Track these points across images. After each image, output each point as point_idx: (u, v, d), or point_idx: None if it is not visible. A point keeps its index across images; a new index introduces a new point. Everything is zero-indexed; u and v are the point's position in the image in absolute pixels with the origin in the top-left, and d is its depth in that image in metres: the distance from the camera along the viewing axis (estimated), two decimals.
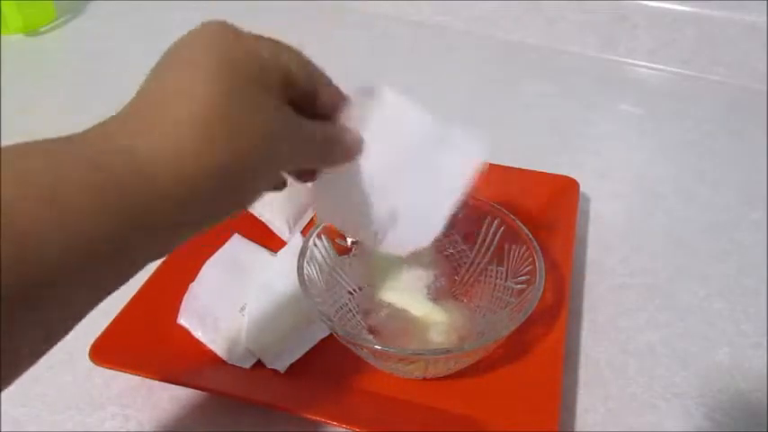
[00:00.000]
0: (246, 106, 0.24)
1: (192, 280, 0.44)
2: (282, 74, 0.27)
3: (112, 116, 0.24)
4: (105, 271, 0.22)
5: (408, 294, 0.41)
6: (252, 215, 0.49)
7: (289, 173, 0.31)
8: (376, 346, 0.34)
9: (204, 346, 0.40)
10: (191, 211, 0.23)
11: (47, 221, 0.19)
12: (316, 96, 0.29)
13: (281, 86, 0.27)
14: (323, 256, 0.41)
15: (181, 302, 0.43)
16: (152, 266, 0.43)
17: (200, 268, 0.45)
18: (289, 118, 0.27)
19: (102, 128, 0.23)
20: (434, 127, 0.33)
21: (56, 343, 0.21)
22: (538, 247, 0.38)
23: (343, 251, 0.43)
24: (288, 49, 0.28)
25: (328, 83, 0.30)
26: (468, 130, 0.33)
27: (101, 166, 0.21)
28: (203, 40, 0.25)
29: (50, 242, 0.19)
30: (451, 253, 0.44)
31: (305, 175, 0.32)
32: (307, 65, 0.29)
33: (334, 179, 0.32)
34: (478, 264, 0.43)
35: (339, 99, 0.31)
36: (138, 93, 0.25)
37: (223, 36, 0.25)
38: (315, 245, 0.40)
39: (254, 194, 0.27)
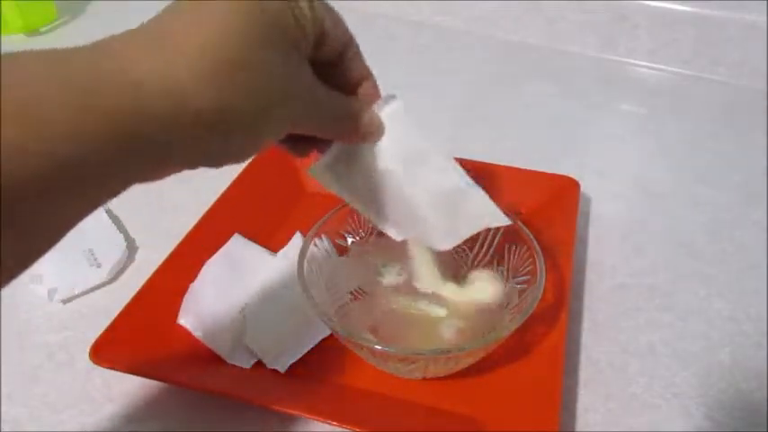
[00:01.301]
0: (267, 52, 0.23)
1: (192, 280, 0.44)
2: (316, 33, 0.26)
3: (115, 36, 0.22)
4: (84, 189, 0.20)
5: (408, 294, 0.42)
6: (252, 215, 0.49)
7: (288, 138, 0.29)
8: (376, 346, 0.34)
9: (204, 346, 0.40)
10: (182, 147, 0.22)
11: (14, 139, 0.18)
12: (342, 66, 0.29)
13: (309, 44, 0.25)
14: (323, 256, 0.41)
15: (181, 302, 0.43)
16: (152, 266, 0.43)
17: (200, 268, 0.45)
18: (308, 77, 0.26)
19: (102, 46, 0.21)
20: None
21: (36, 257, 0.20)
22: (538, 247, 0.38)
23: (343, 251, 0.43)
24: (329, 9, 0.27)
25: (357, 56, 0.29)
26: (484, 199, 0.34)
27: (90, 89, 0.19)
28: None
29: (15, 161, 0.18)
30: (451, 253, 0.44)
31: (302, 145, 0.31)
32: (344, 31, 0.28)
33: (353, 157, 0.32)
34: (478, 264, 0.43)
35: (364, 75, 0.30)
36: (151, 19, 0.23)
37: None
38: (315, 245, 0.40)
39: (251, 146, 0.25)
